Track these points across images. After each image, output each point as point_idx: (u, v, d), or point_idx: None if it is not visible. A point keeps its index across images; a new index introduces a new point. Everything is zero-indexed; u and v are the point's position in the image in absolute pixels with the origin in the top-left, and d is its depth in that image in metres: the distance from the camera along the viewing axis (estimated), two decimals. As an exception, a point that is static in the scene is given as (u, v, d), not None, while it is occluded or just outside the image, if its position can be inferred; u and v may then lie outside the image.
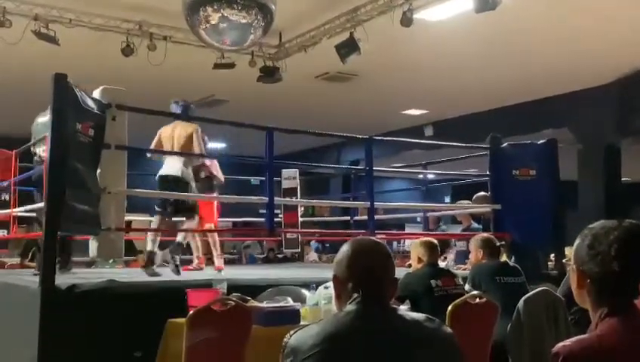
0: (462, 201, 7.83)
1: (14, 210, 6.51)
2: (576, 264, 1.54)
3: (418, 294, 4.08)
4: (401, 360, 1.67)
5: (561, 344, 1.42)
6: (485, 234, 5.15)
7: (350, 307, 1.75)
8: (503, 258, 5.52)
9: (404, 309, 2.33)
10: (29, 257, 7.70)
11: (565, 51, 8.10)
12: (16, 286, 4.63)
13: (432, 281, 4.15)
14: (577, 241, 1.55)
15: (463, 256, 6.83)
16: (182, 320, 3.40)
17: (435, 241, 4.56)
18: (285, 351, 1.69)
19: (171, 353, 3.50)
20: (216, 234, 6.96)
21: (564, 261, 6.22)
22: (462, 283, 4.41)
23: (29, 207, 6.50)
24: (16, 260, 8.23)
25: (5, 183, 6.67)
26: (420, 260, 4.36)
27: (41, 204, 4.83)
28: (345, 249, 1.86)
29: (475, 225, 7.16)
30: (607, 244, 1.47)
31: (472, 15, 6.21)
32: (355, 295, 1.76)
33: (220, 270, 6.55)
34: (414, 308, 3.94)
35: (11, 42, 6.69)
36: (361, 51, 7.02)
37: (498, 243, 5.01)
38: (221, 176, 6.83)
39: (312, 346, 1.64)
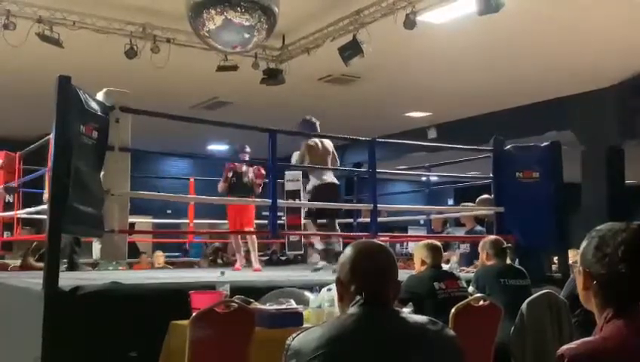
0: (465, 204, 7.82)
1: (18, 211, 6.53)
2: (583, 266, 1.53)
3: (421, 297, 4.07)
4: (404, 363, 1.67)
5: (565, 346, 1.41)
6: (493, 236, 5.11)
7: (353, 309, 1.75)
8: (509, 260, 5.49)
9: (406, 312, 2.33)
10: (36, 257, 7.72)
11: (569, 54, 8.09)
12: (19, 288, 4.64)
13: (435, 284, 4.14)
14: (584, 243, 1.54)
15: (466, 259, 6.82)
16: (185, 322, 3.39)
17: (439, 244, 4.55)
18: (288, 353, 1.69)
19: (174, 355, 3.50)
20: (254, 237, 7.44)
21: (570, 263, 6.21)
22: (465, 285, 4.41)
23: (32, 208, 6.53)
24: (20, 262, 8.24)
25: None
26: (423, 262, 4.35)
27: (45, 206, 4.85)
28: (348, 252, 1.86)
29: (478, 227, 7.15)
30: (614, 246, 1.47)
31: (475, 17, 6.21)
32: (358, 297, 1.76)
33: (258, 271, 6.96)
34: (417, 310, 3.93)
35: (15, 45, 6.70)
36: (364, 53, 7.02)
37: (505, 246, 4.98)
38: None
39: (316, 348, 1.64)
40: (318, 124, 6.86)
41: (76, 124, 4.22)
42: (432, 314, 3.01)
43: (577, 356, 1.38)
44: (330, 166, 6.78)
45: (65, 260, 6.29)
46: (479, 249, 5.03)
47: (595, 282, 1.49)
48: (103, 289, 4.10)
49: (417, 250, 4.51)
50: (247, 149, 7.34)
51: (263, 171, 7.44)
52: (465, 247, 7.09)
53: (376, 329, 1.71)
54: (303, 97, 10.14)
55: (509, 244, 5.17)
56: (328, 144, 6.85)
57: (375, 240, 2.08)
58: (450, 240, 7.62)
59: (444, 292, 4.12)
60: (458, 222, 8.08)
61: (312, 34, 7.63)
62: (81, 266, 6.68)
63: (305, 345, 1.66)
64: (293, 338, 1.71)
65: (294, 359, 1.66)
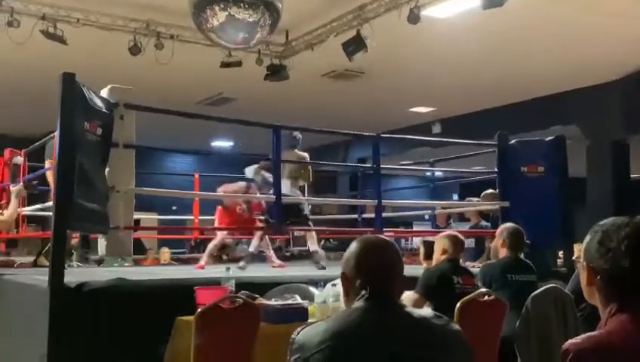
0: (470, 199, 7.81)
1: (24, 209, 6.54)
2: (586, 261, 1.53)
3: (440, 290, 4.08)
4: (408, 357, 1.68)
5: (570, 341, 1.42)
6: (515, 226, 5.02)
7: (358, 304, 1.75)
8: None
9: (427, 310, 2.30)
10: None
11: (573, 48, 8.07)
12: (25, 285, 4.65)
13: (454, 277, 4.17)
14: (588, 238, 1.54)
15: (471, 254, 6.81)
16: (190, 317, 3.40)
17: (462, 237, 4.56)
18: (293, 347, 1.70)
19: (180, 350, 3.51)
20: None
21: (573, 258, 6.19)
22: (479, 284, 4.40)
23: (38, 205, 6.54)
24: (25, 259, 8.26)
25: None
26: (444, 251, 4.37)
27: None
28: (353, 247, 1.86)
29: (483, 222, 7.13)
30: (617, 241, 1.46)
31: (479, 12, 6.20)
32: (363, 292, 1.77)
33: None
34: (432, 303, 3.97)
35: (19, 42, 6.72)
36: (368, 49, 7.01)
37: (525, 238, 4.91)
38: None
39: (320, 342, 1.64)
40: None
41: (80, 121, 4.23)
42: (447, 307, 3.00)
43: (582, 351, 1.38)
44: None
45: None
46: (497, 233, 4.99)
47: (598, 277, 1.49)
48: (109, 286, 4.11)
49: (440, 239, 4.52)
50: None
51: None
52: (469, 242, 7.08)
53: (380, 323, 1.71)
54: (307, 93, 10.15)
55: (527, 241, 5.08)
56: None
57: (380, 236, 2.09)
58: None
59: (461, 287, 4.14)
60: (462, 217, 8.07)
61: (316, 29, 7.63)
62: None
63: (309, 339, 1.67)
64: (298, 332, 1.72)
65: (299, 353, 1.67)
